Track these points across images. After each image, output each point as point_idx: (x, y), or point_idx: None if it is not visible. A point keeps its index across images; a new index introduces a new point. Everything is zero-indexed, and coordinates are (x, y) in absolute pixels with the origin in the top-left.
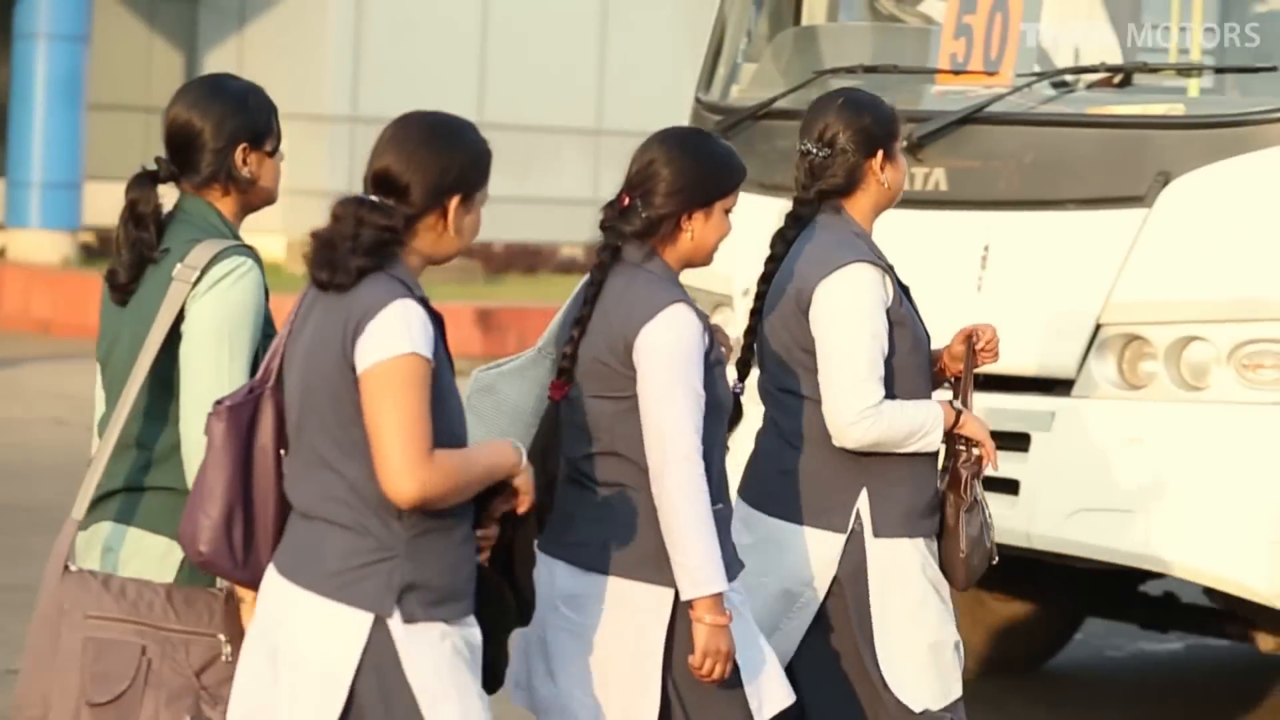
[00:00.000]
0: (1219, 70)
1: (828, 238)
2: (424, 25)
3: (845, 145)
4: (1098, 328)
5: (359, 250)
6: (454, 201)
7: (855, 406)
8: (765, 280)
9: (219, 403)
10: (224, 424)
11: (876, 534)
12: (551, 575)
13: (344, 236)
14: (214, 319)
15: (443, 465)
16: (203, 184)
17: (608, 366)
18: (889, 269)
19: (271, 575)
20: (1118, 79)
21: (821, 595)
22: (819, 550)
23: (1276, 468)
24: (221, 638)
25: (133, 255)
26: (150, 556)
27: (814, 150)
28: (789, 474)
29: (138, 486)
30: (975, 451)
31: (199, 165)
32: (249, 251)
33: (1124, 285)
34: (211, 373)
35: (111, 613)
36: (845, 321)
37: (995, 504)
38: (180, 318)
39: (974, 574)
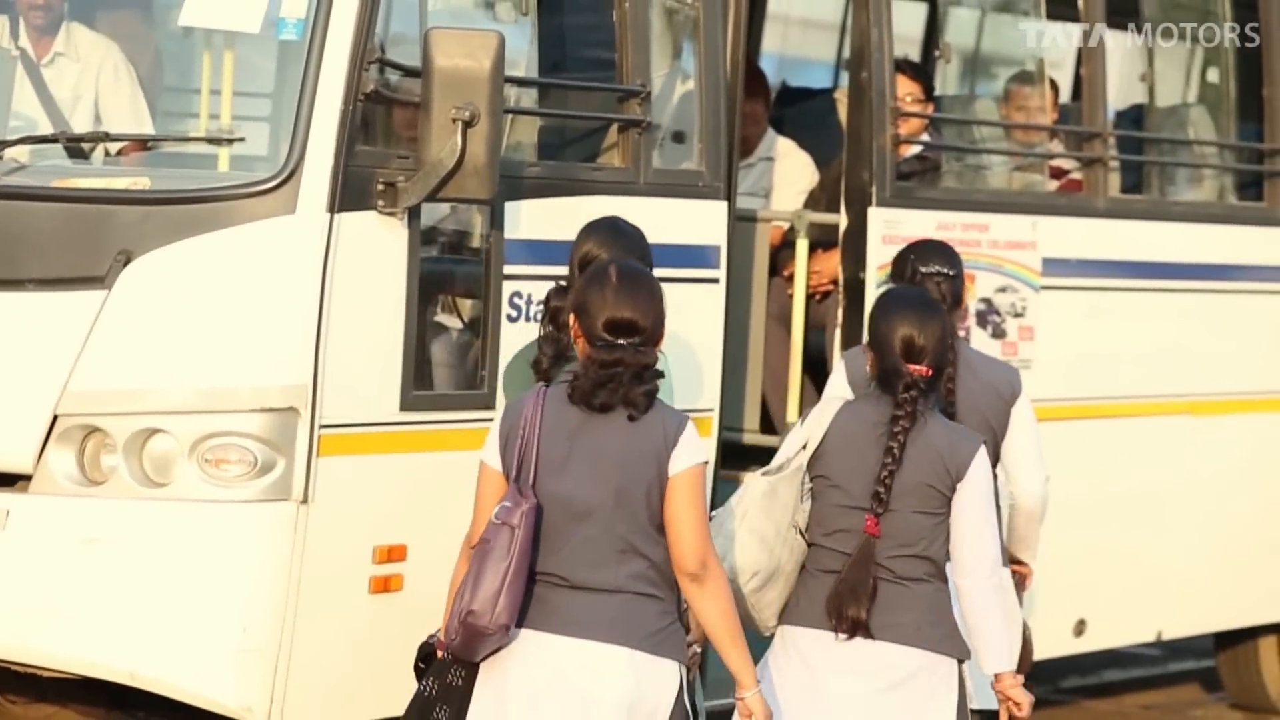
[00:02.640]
0: (174, 139)
1: (971, 348)
2: None
3: (960, 269)
4: (55, 419)
5: (644, 388)
6: (663, 331)
7: (1045, 472)
8: (953, 380)
9: (515, 512)
10: (523, 528)
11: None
12: (855, 651)
13: (626, 375)
14: None
15: (720, 568)
16: None
17: (935, 489)
18: None
19: (560, 640)
20: (110, 148)
21: None
22: None
23: (243, 568)
24: None
25: (554, 350)
26: None
27: (948, 272)
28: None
29: None
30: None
31: None
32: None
33: (81, 373)
34: None
35: None
36: (1032, 411)
37: None
38: None
39: None
